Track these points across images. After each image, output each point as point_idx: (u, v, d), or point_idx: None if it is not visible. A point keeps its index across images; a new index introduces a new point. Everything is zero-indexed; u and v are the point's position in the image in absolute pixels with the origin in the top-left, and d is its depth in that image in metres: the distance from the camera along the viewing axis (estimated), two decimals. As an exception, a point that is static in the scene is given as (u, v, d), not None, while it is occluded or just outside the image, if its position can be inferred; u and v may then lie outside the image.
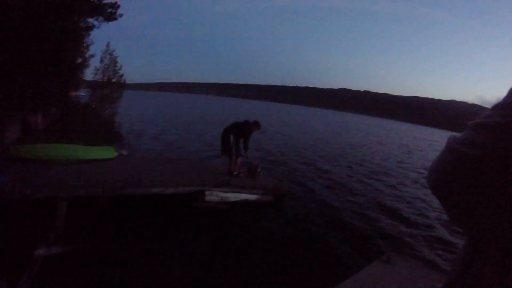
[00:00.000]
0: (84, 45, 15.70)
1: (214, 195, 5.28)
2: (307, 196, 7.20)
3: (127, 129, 13.35)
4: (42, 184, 4.37)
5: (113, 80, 16.29)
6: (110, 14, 14.31)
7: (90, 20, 14.25)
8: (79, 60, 16.93)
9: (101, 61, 16.37)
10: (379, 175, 10.74)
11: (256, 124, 6.29)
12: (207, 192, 5.20)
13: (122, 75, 16.45)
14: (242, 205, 5.64)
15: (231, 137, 6.05)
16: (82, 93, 21.88)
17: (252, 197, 5.79)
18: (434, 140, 36.55)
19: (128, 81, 17.66)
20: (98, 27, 14.37)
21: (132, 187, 4.72)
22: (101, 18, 14.35)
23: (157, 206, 5.09)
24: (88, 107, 16.35)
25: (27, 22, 7.11)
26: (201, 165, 7.21)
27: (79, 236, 4.05)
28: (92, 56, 16.32)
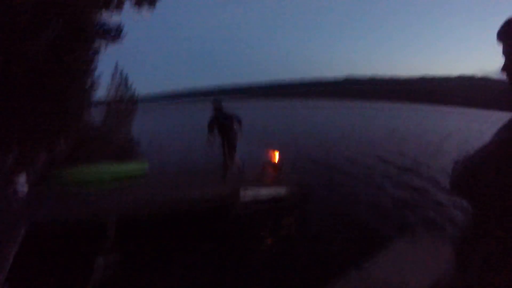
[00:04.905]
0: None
1: (249, 192, 5.53)
2: (328, 189, 7.42)
3: (146, 145, 13.52)
4: (89, 206, 4.75)
5: (126, 97, 16.91)
6: (115, 36, 14.82)
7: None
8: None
9: (112, 79, 16.99)
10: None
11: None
12: (241, 189, 5.49)
13: (134, 92, 17.06)
14: (274, 201, 5.79)
15: (235, 123, 5.69)
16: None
17: (281, 191, 5.95)
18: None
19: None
20: (104, 50, 14.90)
21: (173, 202, 5.12)
22: (107, 40, 14.88)
23: (196, 213, 5.23)
24: (104, 126, 17.01)
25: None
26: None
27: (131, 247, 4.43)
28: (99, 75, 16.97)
